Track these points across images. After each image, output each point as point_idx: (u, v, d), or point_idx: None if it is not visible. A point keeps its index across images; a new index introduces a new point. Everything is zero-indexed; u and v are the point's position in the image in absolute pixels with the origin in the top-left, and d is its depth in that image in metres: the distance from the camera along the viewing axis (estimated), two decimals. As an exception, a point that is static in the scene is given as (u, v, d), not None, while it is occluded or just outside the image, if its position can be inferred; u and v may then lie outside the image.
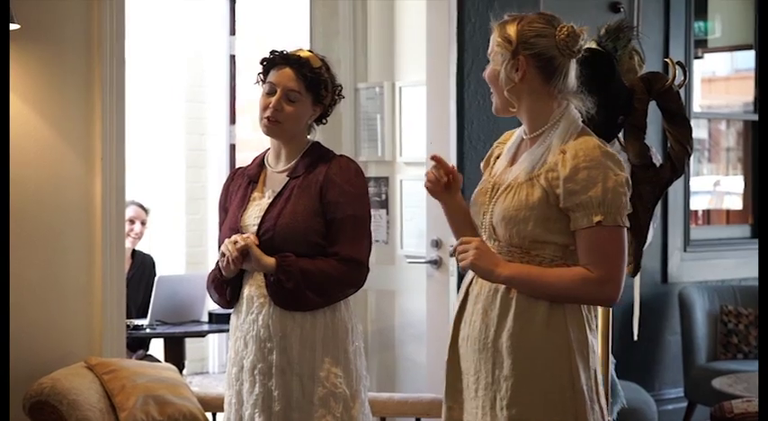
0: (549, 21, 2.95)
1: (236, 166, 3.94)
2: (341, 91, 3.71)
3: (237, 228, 3.60)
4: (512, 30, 2.94)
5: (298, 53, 3.64)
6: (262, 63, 3.66)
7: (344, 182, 3.57)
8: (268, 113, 3.58)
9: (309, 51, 3.70)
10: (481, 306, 2.98)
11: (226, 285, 3.63)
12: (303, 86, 3.58)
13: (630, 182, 2.93)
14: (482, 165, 3.19)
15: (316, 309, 3.54)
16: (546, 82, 2.94)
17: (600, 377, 2.97)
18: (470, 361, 2.99)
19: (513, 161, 3.03)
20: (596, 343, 2.97)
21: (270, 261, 3.51)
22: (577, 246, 2.88)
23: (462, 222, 3.15)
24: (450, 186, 3.14)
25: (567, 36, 2.91)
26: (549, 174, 2.88)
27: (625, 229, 2.89)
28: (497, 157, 3.13)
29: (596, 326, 3.00)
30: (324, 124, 3.74)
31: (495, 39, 2.98)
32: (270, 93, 3.59)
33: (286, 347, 3.52)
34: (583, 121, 2.98)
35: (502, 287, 2.94)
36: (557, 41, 2.92)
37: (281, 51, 3.64)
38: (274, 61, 3.62)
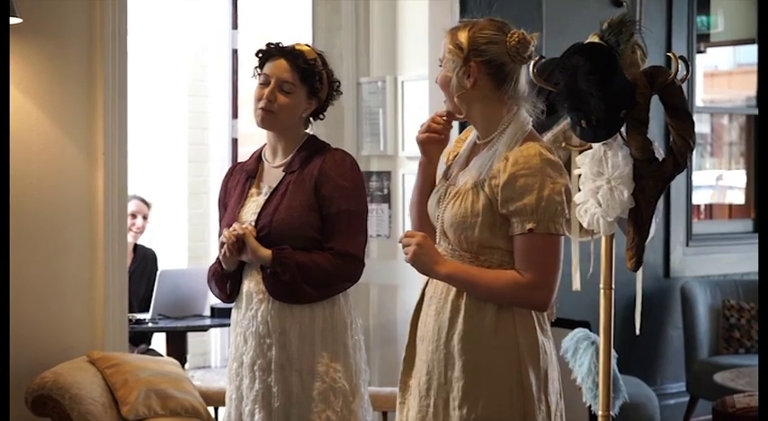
0: (500, 27, 2.99)
1: (237, 161, 3.94)
2: (339, 86, 3.70)
3: None
4: (463, 36, 2.98)
5: (294, 46, 3.64)
6: (257, 55, 3.66)
7: (339, 176, 3.56)
8: (262, 104, 3.58)
9: (307, 45, 3.70)
10: (434, 308, 3.04)
11: (226, 279, 3.63)
12: (297, 78, 3.58)
13: (571, 189, 2.97)
14: (443, 159, 3.21)
15: (312, 302, 3.53)
16: (497, 88, 2.98)
17: (552, 376, 3.02)
18: (424, 361, 3.04)
19: (465, 165, 3.08)
20: (549, 344, 3.02)
21: (266, 253, 3.51)
22: (514, 252, 2.93)
23: (429, 191, 3.15)
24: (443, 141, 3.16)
25: (517, 42, 2.96)
26: (492, 181, 2.92)
27: (560, 237, 2.93)
28: (456, 156, 3.17)
29: (549, 327, 3.05)
30: (321, 119, 3.73)
31: (446, 45, 3.01)
32: (264, 84, 3.59)
33: (285, 343, 3.51)
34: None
35: (453, 290, 2.99)
36: (508, 48, 2.96)
37: (277, 43, 3.64)
38: (270, 53, 3.62)
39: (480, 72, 2.96)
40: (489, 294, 2.93)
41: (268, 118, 3.58)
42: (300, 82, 3.58)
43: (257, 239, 3.52)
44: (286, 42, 3.66)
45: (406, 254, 3.01)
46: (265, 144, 3.73)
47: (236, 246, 3.52)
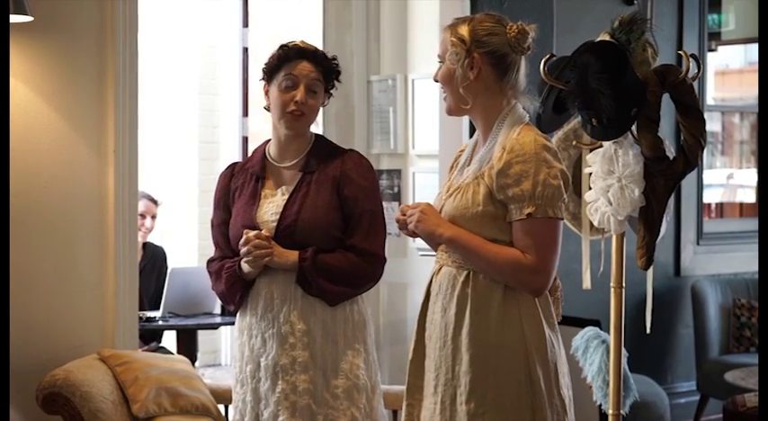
0: (499, 20, 3.08)
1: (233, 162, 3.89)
2: (338, 76, 3.69)
3: (253, 226, 3.56)
4: (464, 30, 3.05)
5: (312, 46, 3.62)
6: (275, 59, 3.57)
7: (360, 177, 3.58)
8: (293, 107, 3.53)
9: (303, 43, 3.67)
10: (440, 304, 3.07)
11: (243, 286, 3.58)
12: (322, 77, 3.58)
13: (567, 173, 3.02)
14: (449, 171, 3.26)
15: (340, 302, 3.55)
16: (499, 79, 3.05)
17: (562, 370, 3.04)
18: (432, 358, 3.07)
19: (469, 163, 3.13)
20: (556, 338, 3.05)
21: (293, 256, 3.50)
22: (513, 237, 2.96)
23: None
24: None
25: (517, 33, 3.04)
26: (491, 171, 2.98)
27: (559, 221, 2.98)
28: (457, 160, 3.24)
29: (556, 322, 3.08)
30: (324, 105, 3.71)
31: (447, 39, 3.08)
32: (291, 87, 3.54)
33: (309, 342, 3.51)
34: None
35: (458, 285, 3.02)
36: (508, 39, 3.04)
37: (294, 44, 3.60)
38: (288, 56, 3.58)
39: (483, 63, 3.03)
40: (489, 267, 2.97)
41: (300, 120, 3.57)
42: (324, 81, 3.59)
43: (278, 239, 3.52)
44: (296, 40, 3.65)
45: (410, 222, 3.07)
46: (266, 142, 3.70)
47: (266, 251, 3.49)
